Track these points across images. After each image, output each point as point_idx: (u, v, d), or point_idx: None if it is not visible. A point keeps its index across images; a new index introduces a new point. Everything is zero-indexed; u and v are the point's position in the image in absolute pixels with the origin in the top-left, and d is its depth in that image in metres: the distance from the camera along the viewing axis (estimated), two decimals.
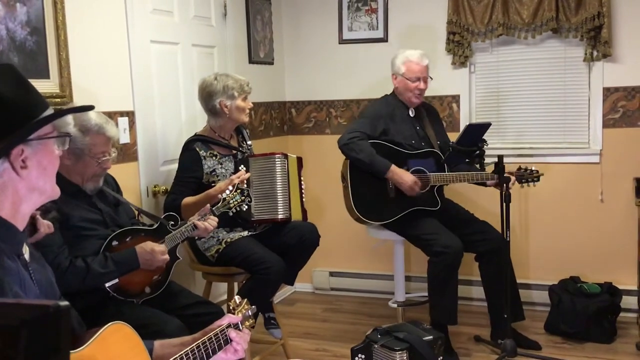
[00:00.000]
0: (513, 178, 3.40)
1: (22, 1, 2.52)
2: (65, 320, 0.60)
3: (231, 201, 2.81)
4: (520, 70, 4.12)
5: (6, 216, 1.29)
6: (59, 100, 2.65)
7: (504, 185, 3.28)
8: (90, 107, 1.50)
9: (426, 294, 3.59)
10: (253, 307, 1.83)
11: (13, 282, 1.24)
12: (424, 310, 3.65)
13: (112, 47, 3.05)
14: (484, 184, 3.52)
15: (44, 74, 2.61)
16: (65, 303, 0.60)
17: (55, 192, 1.39)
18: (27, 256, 1.37)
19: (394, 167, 3.45)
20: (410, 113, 3.65)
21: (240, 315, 1.76)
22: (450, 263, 3.40)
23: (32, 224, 2.00)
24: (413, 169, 3.51)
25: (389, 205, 3.52)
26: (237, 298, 1.82)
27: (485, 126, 3.40)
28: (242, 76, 3.27)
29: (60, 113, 1.38)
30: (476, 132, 3.35)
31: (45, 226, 2.06)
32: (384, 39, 4.33)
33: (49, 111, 1.36)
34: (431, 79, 3.65)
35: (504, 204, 3.27)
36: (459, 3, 4.05)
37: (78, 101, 2.74)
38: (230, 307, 1.79)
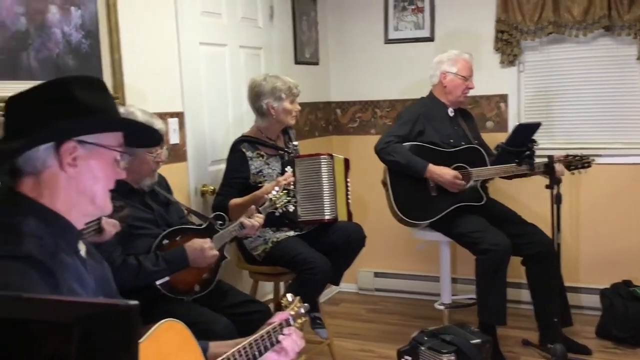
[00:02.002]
0: (561, 166, 3.31)
1: (76, 5, 2.59)
2: (135, 319, 0.61)
3: (277, 202, 2.84)
4: (570, 69, 4.03)
5: (61, 212, 1.30)
6: None
7: (555, 186, 3.21)
8: (158, 138, 1.51)
9: (473, 296, 3.55)
10: (305, 304, 1.84)
11: (70, 278, 1.25)
12: (471, 312, 3.61)
13: (162, 49, 3.11)
14: (527, 175, 3.43)
15: (98, 76, 2.66)
16: (135, 302, 0.62)
17: (105, 205, 1.38)
18: (83, 253, 1.39)
19: (431, 166, 3.42)
20: (450, 113, 3.62)
21: (292, 312, 1.77)
22: (498, 261, 3.34)
23: (98, 227, 2.04)
24: (454, 166, 3.48)
25: (431, 204, 3.49)
26: (289, 296, 1.82)
27: (535, 126, 3.34)
28: (292, 78, 3.28)
29: (121, 122, 1.39)
30: (526, 133, 3.29)
31: (111, 225, 2.10)
32: (431, 38, 4.29)
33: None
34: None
35: (555, 205, 3.20)
36: (507, 1, 3.99)
37: (130, 102, 2.80)
38: (282, 305, 1.79)
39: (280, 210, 2.85)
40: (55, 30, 2.49)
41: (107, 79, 2.73)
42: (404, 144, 3.49)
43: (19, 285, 1.13)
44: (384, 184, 3.59)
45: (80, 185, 1.31)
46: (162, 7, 3.10)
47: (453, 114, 3.63)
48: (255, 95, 3.19)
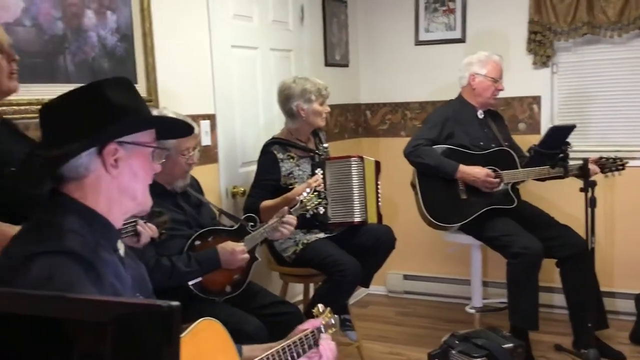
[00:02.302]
0: (595, 167, 3.26)
1: (112, 9, 2.63)
2: (177, 320, 0.62)
3: (308, 203, 2.85)
4: (605, 70, 3.97)
5: (102, 212, 1.34)
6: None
7: (589, 189, 3.15)
8: (191, 130, 1.52)
9: (504, 300, 3.51)
10: (335, 316, 1.85)
11: (110, 274, 1.29)
12: (502, 317, 3.57)
13: (195, 53, 3.15)
14: (560, 178, 3.38)
15: (132, 79, 2.69)
16: (176, 303, 0.63)
17: (146, 201, 1.42)
18: (122, 252, 1.42)
19: (462, 166, 3.40)
20: (479, 115, 3.59)
21: (324, 321, 1.78)
22: (530, 265, 3.30)
23: (134, 229, 2.07)
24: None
25: (461, 207, 3.46)
26: (320, 306, 1.84)
27: (569, 128, 3.29)
28: (322, 81, 3.29)
29: (156, 119, 1.41)
30: (560, 135, 3.25)
31: (148, 229, 2.13)
32: (462, 40, 4.26)
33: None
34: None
35: (589, 209, 3.15)
36: (540, 2, 3.94)
37: (163, 105, 2.83)
38: (314, 314, 1.81)
39: (311, 212, 2.86)
40: (91, 34, 2.54)
41: (141, 82, 2.78)
42: (433, 146, 3.47)
43: (64, 278, 1.16)
44: (413, 186, 3.57)
45: (122, 184, 1.34)
46: (195, 11, 3.14)
47: (482, 116, 3.60)
48: (285, 98, 3.20)
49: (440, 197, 3.49)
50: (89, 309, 0.71)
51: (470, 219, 3.43)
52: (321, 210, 2.92)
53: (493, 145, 3.53)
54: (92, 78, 2.47)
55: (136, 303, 0.66)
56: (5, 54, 1.84)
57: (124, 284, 1.34)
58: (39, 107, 2.31)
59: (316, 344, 1.70)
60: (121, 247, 1.42)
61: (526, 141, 3.71)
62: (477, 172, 3.40)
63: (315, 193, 2.88)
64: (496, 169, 3.44)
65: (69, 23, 2.45)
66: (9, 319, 0.75)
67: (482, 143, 3.51)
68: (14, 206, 1.75)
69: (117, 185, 1.34)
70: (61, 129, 1.32)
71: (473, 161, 3.45)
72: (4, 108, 2.20)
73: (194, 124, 2.60)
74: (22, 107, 2.27)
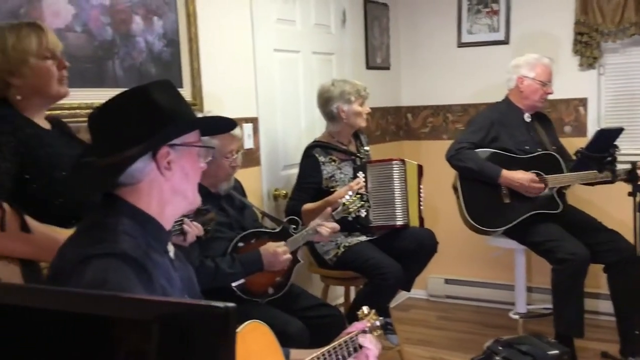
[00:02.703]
0: None
1: (159, 15, 2.69)
2: (233, 321, 0.63)
3: (351, 206, 2.85)
4: None
5: (154, 215, 1.36)
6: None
7: (638, 193, 3.07)
8: (234, 124, 1.53)
9: (548, 306, 3.45)
10: (380, 318, 1.85)
11: (161, 276, 1.31)
12: (546, 323, 3.50)
13: (238, 57, 3.18)
14: (608, 182, 3.30)
15: (178, 83, 2.76)
16: (232, 305, 0.64)
17: (196, 199, 1.45)
18: (172, 254, 1.45)
19: (505, 171, 3.35)
20: (526, 118, 3.53)
21: (369, 324, 1.79)
22: (576, 271, 3.23)
23: (181, 228, 2.11)
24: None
25: (504, 211, 3.41)
26: (365, 308, 1.84)
27: (617, 131, 3.21)
28: (359, 81, 3.30)
29: (203, 120, 1.44)
30: (607, 138, 3.17)
31: (195, 228, 2.17)
32: (505, 41, 4.21)
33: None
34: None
35: (638, 213, 3.06)
36: (587, 2, 3.86)
37: (208, 108, 2.88)
38: (359, 316, 1.82)
39: (354, 215, 2.86)
40: (139, 40, 2.60)
41: (187, 86, 2.83)
42: (476, 150, 3.43)
43: (117, 281, 1.18)
44: (455, 189, 3.53)
45: (175, 185, 1.37)
46: (239, 16, 3.18)
47: (530, 119, 3.54)
48: (325, 101, 3.22)
49: (483, 201, 3.44)
50: (137, 308, 0.73)
51: (514, 224, 3.38)
52: (363, 213, 2.92)
53: (539, 149, 3.46)
54: (139, 83, 2.50)
55: (193, 303, 0.67)
56: (56, 61, 1.90)
57: (174, 285, 1.37)
58: (88, 111, 2.38)
59: (361, 345, 1.70)
60: (171, 249, 1.45)
61: (572, 144, 3.63)
62: (520, 177, 3.34)
63: (358, 196, 2.88)
64: (541, 173, 3.38)
65: (118, 29, 2.51)
66: (56, 316, 0.77)
67: (527, 147, 3.45)
68: (65, 210, 1.81)
69: (170, 187, 1.37)
70: (113, 135, 1.34)
71: (517, 165, 3.40)
72: (56, 112, 2.26)
73: (238, 129, 2.64)
74: (73, 111, 2.33)
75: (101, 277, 1.18)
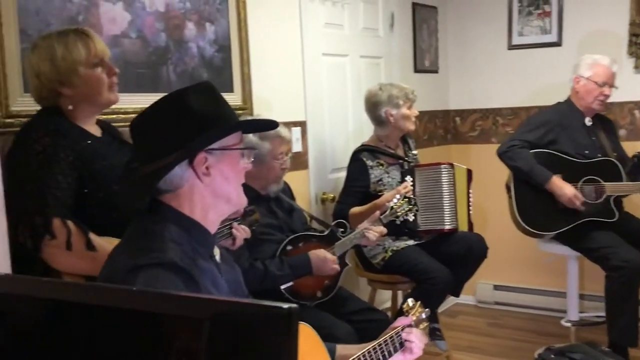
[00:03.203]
0: None
1: (211, 21, 2.74)
2: (296, 322, 0.64)
3: (398, 210, 2.84)
4: None
5: (198, 220, 1.37)
6: (241, 112, 2.84)
7: None
8: (275, 124, 1.53)
9: (601, 314, 3.36)
10: (427, 309, 1.84)
11: (207, 282, 1.32)
12: (599, 331, 3.41)
13: (287, 61, 3.21)
14: None
15: (229, 88, 2.81)
16: (295, 305, 0.65)
17: (241, 200, 1.44)
18: (217, 258, 1.46)
19: (554, 179, 3.27)
20: (587, 122, 3.44)
21: (414, 317, 1.77)
22: (630, 279, 3.14)
23: (230, 231, 2.15)
24: (585, 178, 3.30)
25: (557, 216, 3.33)
26: (410, 301, 1.83)
27: None
28: (407, 84, 3.29)
29: (237, 125, 1.42)
30: None
31: (242, 231, 2.20)
32: (558, 43, 4.13)
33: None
34: (616, 88, 3.40)
35: None
36: None
37: (257, 112, 2.91)
38: (404, 310, 1.80)
39: (402, 219, 2.85)
40: (192, 45, 2.65)
41: (237, 91, 2.87)
42: (532, 150, 3.36)
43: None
44: (508, 188, 3.47)
45: (215, 189, 1.37)
46: (288, 21, 3.21)
47: (590, 123, 3.44)
48: (373, 105, 3.21)
49: (536, 203, 3.37)
50: (192, 306, 0.74)
51: (566, 229, 3.31)
52: (411, 217, 2.90)
53: (599, 155, 3.36)
54: None
55: (256, 304, 0.68)
56: (105, 67, 1.90)
57: (221, 290, 1.38)
58: None
59: (406, 340, 1.69)
60: (217, 253, 1.46)
61: (627, 148, 3.53)
62: (565, 191, 3.27)
63: (405, 199, 2.87)
64: (599, 179, 3.29)
65: (172, 35, 2.57)
66: (111, 312, 0.79)
67: (587, 152, 3.36)
68: (122, 223, 1.76)
69: (211, 191, 1.37)
70: (151, 142, 1.36)
71: (574, 169, 3.31)
72: (112, 116, 2.33)
73: (287, 132, 2.66)
74: (127, 116, 2.39)
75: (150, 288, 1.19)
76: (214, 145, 1.35)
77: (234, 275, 1.53)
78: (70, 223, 1.74)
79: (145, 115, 1.39)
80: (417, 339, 1.69)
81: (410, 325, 1.73)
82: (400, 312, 1.86)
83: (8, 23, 2.02)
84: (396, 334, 1.69)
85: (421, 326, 1.79)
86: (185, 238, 1.33)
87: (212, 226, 1.42)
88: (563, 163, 3.32)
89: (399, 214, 2.84)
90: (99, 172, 1.83)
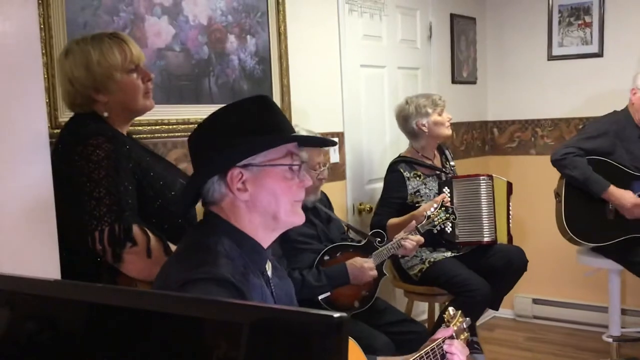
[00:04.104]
0: None
1: (251, 34, 2.78)
2: (346, 332, 0.65)
3: (436, 219, 2.83)
4: None
5: (250, 233, 1.36)
6: None
7: None
8: (333, 143, 1.50)
9: None
10: (467, 319, 1.82)
11: (256, 298, 1.31)
12: None
13: (326, 72, 3.24)
14: None
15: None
16: (346, 315, 0.66)
17: (291, 218, 1.39)
18: (269, 272, 1.45)
19: (612, 188, 3.20)
20: None
21: (455, 327, 1.76)
22: None
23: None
24: (639, 192, 3.23)
25: (606, 227, 3.26)
26: (451, 310, 1.81)
27: None
28: (447, 98, 3.27)
29: (268, 141, 1.37)
30: None
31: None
32: (599, 54, 4.06)
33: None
34: None
35: None
36: None
37: (296, 123, 2.93)
38: (445, 319, 1.79)
39: (439, 227, 2.83)
40: (233, 57, 2.70)
41: (277, 102, 2.89)
42: (585, 157, 3.28)
43: None
44: (557, 194, 3.40)
45: (259, 205, 1.35)
46: (327, 33, 3.24)
47: None
48: (404, 119, 3.22)
49: (585, 212, 3.29)
50: (237, 312, 0.75)
51: (613, 242, 3.23)
52: (449, 226, 2.88)
53: None
54: (232, 99, 2.62)
55: (306, 312, 0.69)
56: (140, 73, 1.84)
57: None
58: (185, 126, 2.49)
59: (447, 352, 1.68)
60: (269, 267, 1.45)
61: None
62: (626, 198, 3.19)
63: (443, 208, 2.85)
64: None
65: (214, 47, 2.62)
66: (153, 317, 0.81)
67: None
68: (178, 229, 1.77)
69: (255, 207, 1.34)
70: (194, 155, 1.40)
71: (627, 181, 3.23)
72: (155, 127, 2.38)
73: (318, 135, 2.67)
74: (171, 126, 2.45)
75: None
76: (254, 161, 1.33)
77: (285, 289, 1.51)
78: (147, 230, 1.71)
79: (196, 128, 1.42)
80: (458, 351, 1.68)
81: (451, 337, 1.72)
82: (440, 321, 1.84)
83: (58, 36, 2.08)
84: (437, 345, 1.68)
85: (462, 336, 1.77)
86: (237, 252, 1.32)
87: (264, 241, 1.39)
88: (618, 174, 3.24)
89: (436, 222, 2.83)
90: (154, 179, 1.80)
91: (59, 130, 2.03)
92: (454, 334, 1.73)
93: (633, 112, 3.35)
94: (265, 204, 1.35)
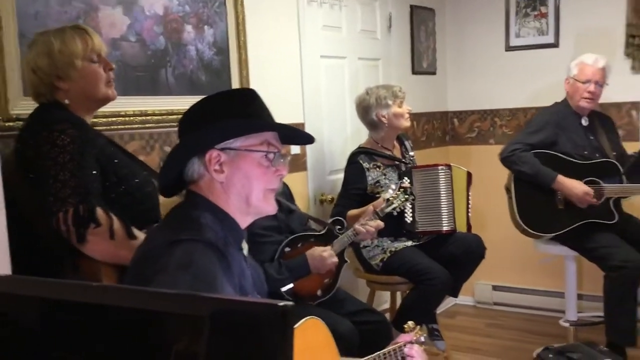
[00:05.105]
0: None
1: (209, 24, 2.75)
2: (291, 320, 0.65)
3: (395, 201, 2.84)
4: None
5: (229, 211, 1.41)
6: None
7: None
8: (311, 139, 1.59)
9: (599, 314, 3.37)
10: (425, 335, 1.88)
11: (235, 268, 1.36)
12: (597, 331, 3.43)
13: (285, 63, 3.23)
14: None
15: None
16: (291, 303, 0.66)
17: (261, 204, 1.43)
18: (245, 251, 1.50)
19: (560, 177, 3.28)
20: (583, 122, 3.45)
21: (414, 336, 1.81)
22: (629, 279, 3.16)
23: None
24: (586, 179, 3.32)
25: (557, 217, 3.35)
26: (411, 323, 1.88)
27: None
28: (408, 88, 3.29)
29: (243, 126, 1.42)
30: None
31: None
32: (555, 44, 4.14)
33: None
34: (607, 84, 3.42)
35: None
36: (639, 4, 3.77)
37: None
38: (405, 330, 1.85)
39: (398, 210, 2.86)
40: (190, 48, 2.67)
41: None
42: (531, 151, 3.37)
43: (203, 263, 1.25)
44: (507, 190, 3.48)
45: (233, 187, 1.41)
46: (286, 24, 3.22)
47: (587, 123, 3.46)
48: (364, 110, 3.23)
49: (536, 205, 3.38)
50: (190, 303, 0.75)
51: (565, 231, 3.32)
52: (409, 208, 2.91)
53: (597, 155, 3.38)
54: (190, 90, 2.60)
55: (251, 301, 0.70)
56: (102, 63, 1.91)
57: (246, 280, 1.42)
58: (142, 118, 2.46)
59: (407, 356, 1.73)
60: (245, 247, 1.49)
61: (625, 149, 3.55)
62: (575, 186, 3.27)
63: (402, 189, 2.87)
64: (599, 181, 3.30)
65: (170, 38, 2.58)
66: (109, 311, 0.80)
67: (586, 152, 3.37)
68: (142, 214, 1.86)
69: (230, 189, 1.40)
70: (180, 136, 1.47)
71: (574, 171, 3.32)
72: (112, 119, 2.34)
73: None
74: (128, 118, 2.41)
75: (188, 258, 1.24)
76: (233, 145, 1.38)
77: (257, 272, 1.58)
78: (110, 213, 1.76)
79: (187, 111, 1.48)
80: (418, 355, 1.73)
81: (411, 342, 1.76)
82: (401, 323, 1.90)
83: (7, 27, 2.03)
84: (399, 348, 1.72)
85: (420, 348, 1.83)
86: (219, 226, 1.38)
87: (241, 222, 1.45)
88: (564, 164, 3.33)
89: (395, 204, 2.84)
90: (118, 167, 1.85)
91: (11, 124, 2.01)
92: (414, 340, 1.77)
93: (570, 100, 3.44)
94: (239, 187, 1.40)
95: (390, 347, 1.71)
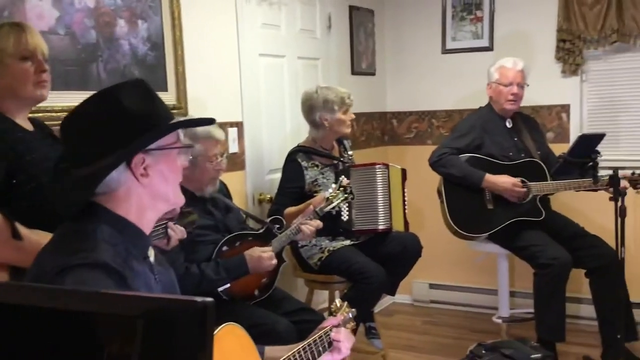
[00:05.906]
0: (626, 183, 3.20)
1: (143, 18, 2.69)
2: (211, 316, 0.64)
3: (335, 200, 2.85)
4: (636, 79, 3.91)
5: (133, 221, 1.35)
6: (176, 111, 2.80)
7: (619, 198, 3.11)
8: (211, 121, 1.49)
9: (531, 310, 3.47)
10: (353, 310, 1.87)
11: (139, 284, 1.30)
12: (529, 327, 3.53)
13: (223, 61, 3.19)
14: (594, 190, 3.33)
15: (163, 87, 2.76)
16: (210, 299, 0.64)
17: (178, 199, 1.44)
18: (152, 259, 1.43)
19: (488, 175, 3.38)
20: (507, 124, 3.56)
21: (341, 316, 1.80)
22: (558, 276, 3.27)
23: (165, 231, 2.11)
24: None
25: (488, 217, 3.44)
26: (337, 301, 1.87)
27: (599, 137, 3.25)
28: (345, 88, 3.30)
29: (177, 124, 1.41)
30: (589, 143, 3.21)
31: (179, 232, 2.16)
32: (490, 48, 4.25)
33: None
34: (527, 85, 3.53)
35: (619, 219, 3.10)
36: (569, 9, 3.91)
37: (192, 112, 2.88)
38: (332, 310, 1.84)
39: (337, 208, 2.86)
40: (123, 42, 2.59)
41: (172, 90, 2.82)
42: (460, 155, 3.46)
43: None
44: (439, 193, 3.56)
45: (154, 190, 1.36)
46: (224, 20, 3.18)
47: (511, 125, 3.57)
48: (309, 109, 3.22)
49: (466, 207, 3.47)
50: (119, 304, 0.73)
51: (496, 230, 3.41)
52: (345, 208, 2.92)
53: (523, 155, 3.49)
54: None
55: (171, 298, 0.67)
56: (35, 63, 1.87)
57: (154, 291, 1.36)
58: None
59: (334, 340, 1.73)
60: (152, 254, 1.44)
61: (554, 150, 3.67)
62: (504, 181, 3.37)
63: (342, 188, 2.88)
64: (525, 180, 3.40)
65: (102, 32, 2.50)
66: (38, 313, 0.77)
67: (511, 153, 3.48)
68: (53, 215, 1.77)
69: (149, 192, 1.35)
70: (86, 144, 1.32)
71: (501, 172, 3.42)
72: (39, 114, 2.25)
73: (221, 134, 2.63)
74: (56, 114, 2.32)
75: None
76: (152, 146, 1.33)
77: (168, 277, 1.50)
78: None
79: (76, 114, 1.34)
80: (345, 339, 1.73)
81: (338, 325, 1.76)
82: (329, 314, 1.89)
83: None
84: (325, 333, 1.71)
85: (348, 326, 1.83)
86: (118, 239, 1.30)
87: (148, 226, 1.40)
88: (491, 166, 3.43)
89: (334, 203, 2.85)
90: (29, 164, 1.81)
91: None
92: (340, 323, 1.77)
93: (494, 105, 3.56)
94: (159, 188, 1.37)
95: (316, 334, 1.70)
